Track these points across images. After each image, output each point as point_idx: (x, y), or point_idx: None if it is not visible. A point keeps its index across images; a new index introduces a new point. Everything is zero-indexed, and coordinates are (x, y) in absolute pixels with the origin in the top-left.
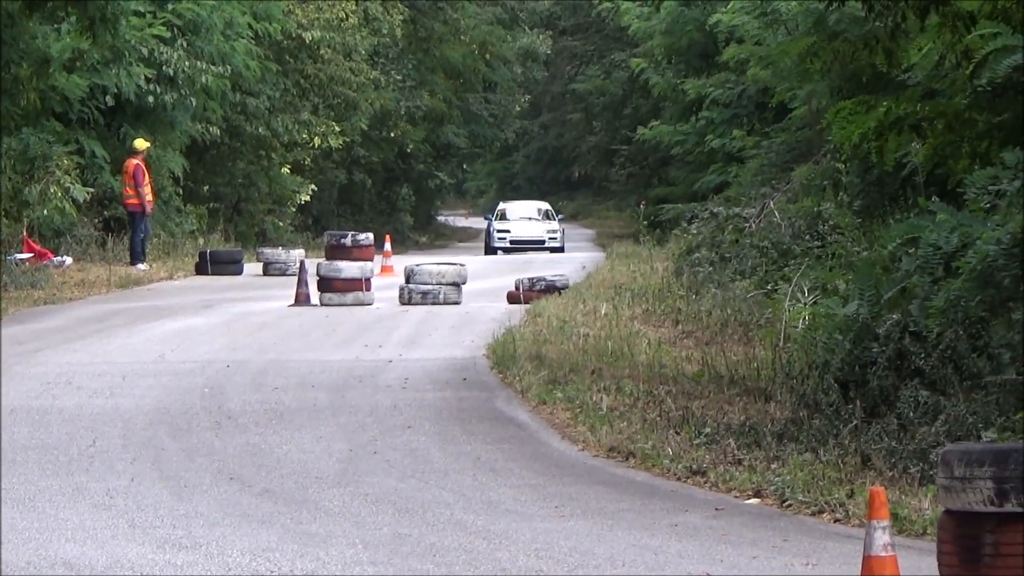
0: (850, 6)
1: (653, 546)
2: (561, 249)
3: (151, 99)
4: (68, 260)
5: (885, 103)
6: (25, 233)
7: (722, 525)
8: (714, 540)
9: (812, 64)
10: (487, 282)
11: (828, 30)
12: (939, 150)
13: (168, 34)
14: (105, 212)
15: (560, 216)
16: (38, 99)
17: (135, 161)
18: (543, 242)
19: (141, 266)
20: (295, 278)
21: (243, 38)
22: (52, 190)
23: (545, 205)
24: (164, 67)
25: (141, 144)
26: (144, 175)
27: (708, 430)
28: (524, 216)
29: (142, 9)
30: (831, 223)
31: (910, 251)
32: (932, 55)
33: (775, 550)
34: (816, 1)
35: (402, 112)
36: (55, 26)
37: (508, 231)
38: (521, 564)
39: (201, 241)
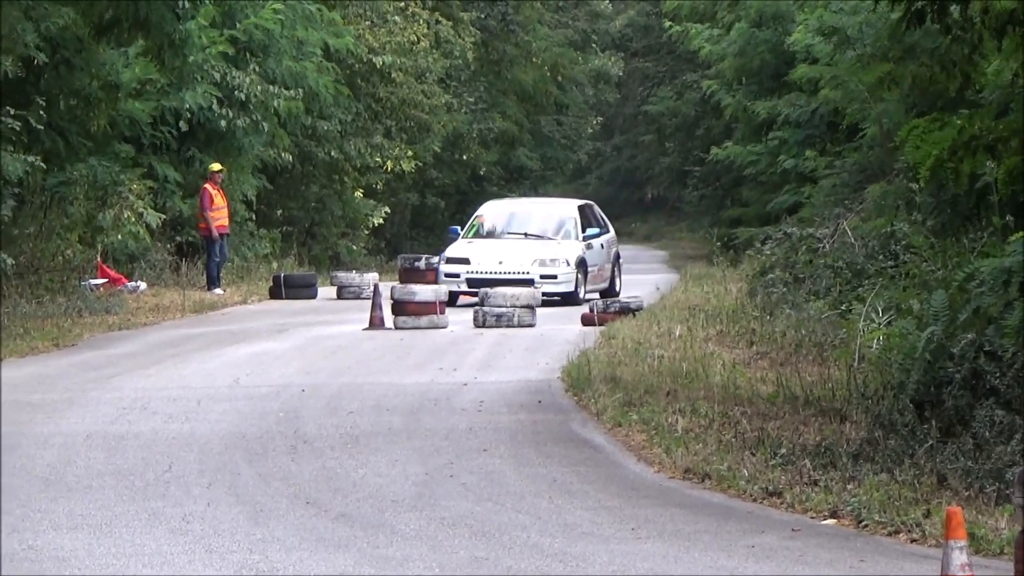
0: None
1: (730, 567)
2: (574, 296)
3: (223, 123)
4: (142, 285)
5: (959, 121)
6: (99, 259)
7: (798, 546)
8: (791, 561)
9: (889, 91)
10: (560, 306)
11: (903, 45)
12: (1014, 170)
13: (232, 51)
14: (178, 237)
15: (604, 231)
16: (108, 126)
17: (206, 184)
18: (530, 281)
19: (217, 291)
20: (369, 301)
21: (314, 59)
22: (126, 215)
23: (571, 212)
24: (236, 92)
25: (213, 167)
26: (211, 200)
27: (784, 451)
28: (519, 232)
29: (205, 37)
30: (905, 243)
31: (981, 270)
32: (1006, 73)
33: (852, 571)
34: (887, 12)
35: (474, 135)
36: (122, 50)
37: (466, 260)
38: None
39: (275, 265)
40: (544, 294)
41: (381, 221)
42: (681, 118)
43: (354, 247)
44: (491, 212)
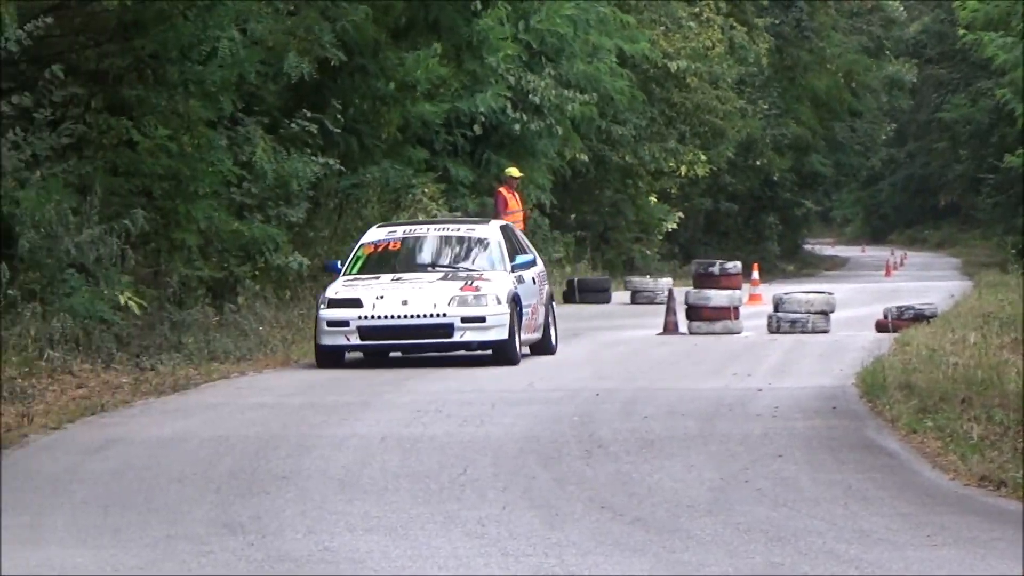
0: None
1: None
2: (508, 347)
3: (516, 127)
4: None
5: None
6: None
7: None
8: None
9: None
10: (855, 311)
11: None
12: None
13: (525, 55)
14: None
15: (533, 261)
16: (397, 132)
17: (501, 188)
18: (448, 327)
19: None
20: (663, 306)
21: (608, 63)
22: (419, 218)
23: (493, 234)
24: (530, 95)
25: (508, 171)
26: (506, 204)
27: None
28: (424, 263)
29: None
30: None
31: None
32: None
33: None
34: None
35: (767, 140)
36: (415, 52)
37: (355, 303)
38: None
39: (568, 269)
40: (464, 344)
41: (674, 226)
42: (975, 125)
43: (648, 252)
44: (381, 239)
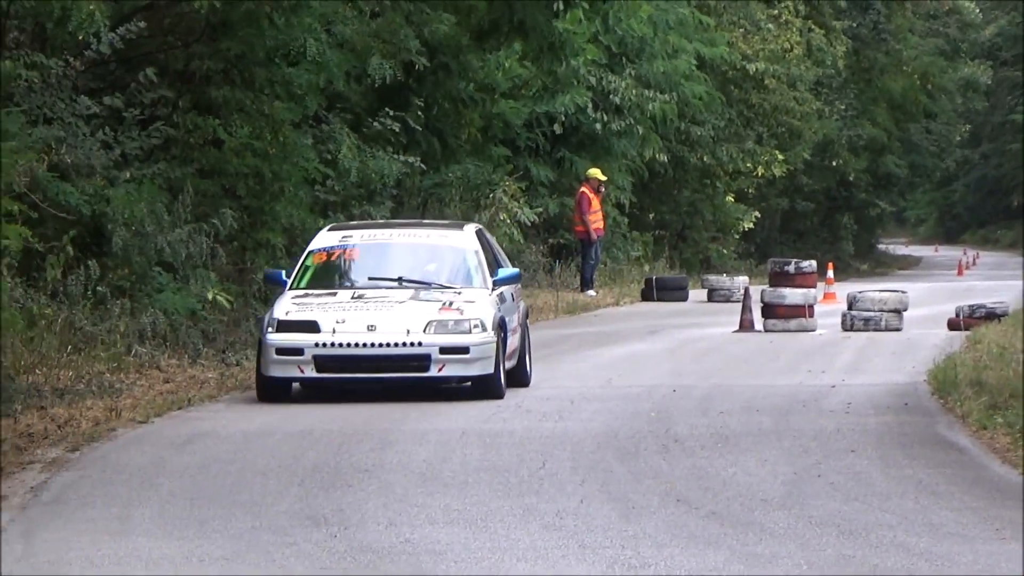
0: None
1: None
2: (493, 382)
3: (597, 127)
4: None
5: None
6: None
7: None
8: None
9: None
10: (927, 309)
11: None
12: None
13: (605, 57)
14: (550, 239)
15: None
16: (479, 132)
17: (582, 189)
18: (424, 358)
19: (591, 292)
20: (739, 304)
21: (687, 65)
22: (501, 216)
23: (470, 243)
24: (611, 95)
25: (592, 173)
26: (589, 203)
27: None
28: (390, 276)
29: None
30: None
31: None
32: None
33: None
34: None
35: (844, 141)
36: (496, 54)
37: (311, 326)
38: None
39: (646, 268)
40: (442, 380)
41: (751, 225)
42: None
43: (724, 251)
44: (334, 245)
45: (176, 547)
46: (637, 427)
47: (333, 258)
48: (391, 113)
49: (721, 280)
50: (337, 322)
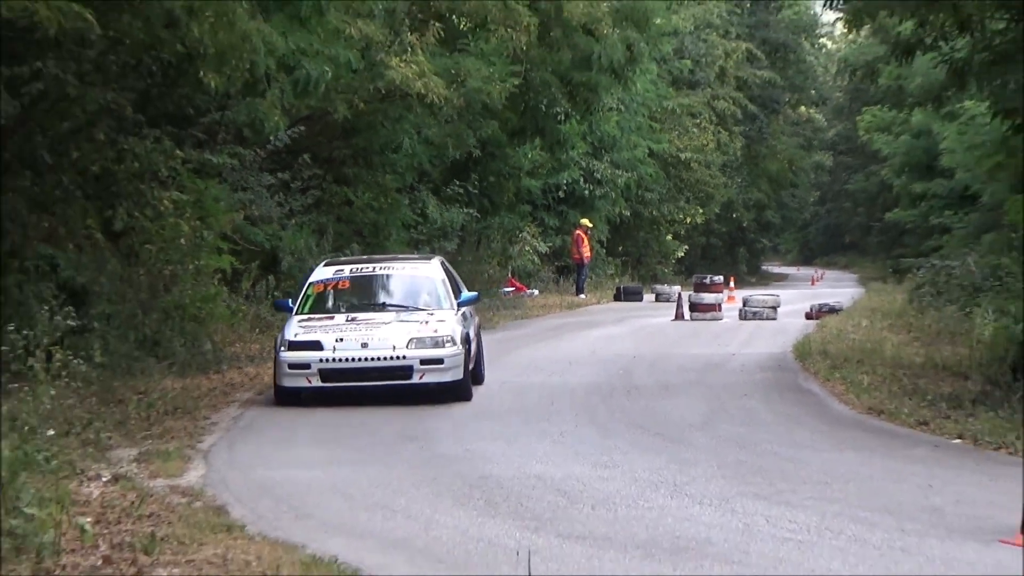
0: None
1: (896, 468)
2: (463, 385)
3: (586, 192)
4: (535, 292)
5: None
6: (510, 275)
7: (938, 456)
8: (933, 464)
9: (999, 176)
10: (792, 306)
11: (1007, 147)
12: None
13: (590, 150)
14: (556, 263)
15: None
16: (513, 195)
17: (577, 231)
18: (407, 369)
19: (582, 296)
20: (675, 303)
21: (643, 153)
22: (526, 249)
23: (436, 272)
24: (594, 173)
25: (583, 221)
26: (582, 241)
27: (930, 397)
28: (375, 302)
29: (576, 139)
30: (1007, 271)
31: None
32: None
33: (970, 471)
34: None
35: (739, 201)
36: (523, 147)
37: (315, 345)
38: (808, 477)
39: (617, 280)
40: (422, 386)
41: (682, 254)
42: (868, 193)
43: (666, 270)
44: (329, 278)
45: (321, 454)
46: (611, 380)
47: (329, 288)
48: (458, 183)
49: (664, 288)
50: (336, 341)
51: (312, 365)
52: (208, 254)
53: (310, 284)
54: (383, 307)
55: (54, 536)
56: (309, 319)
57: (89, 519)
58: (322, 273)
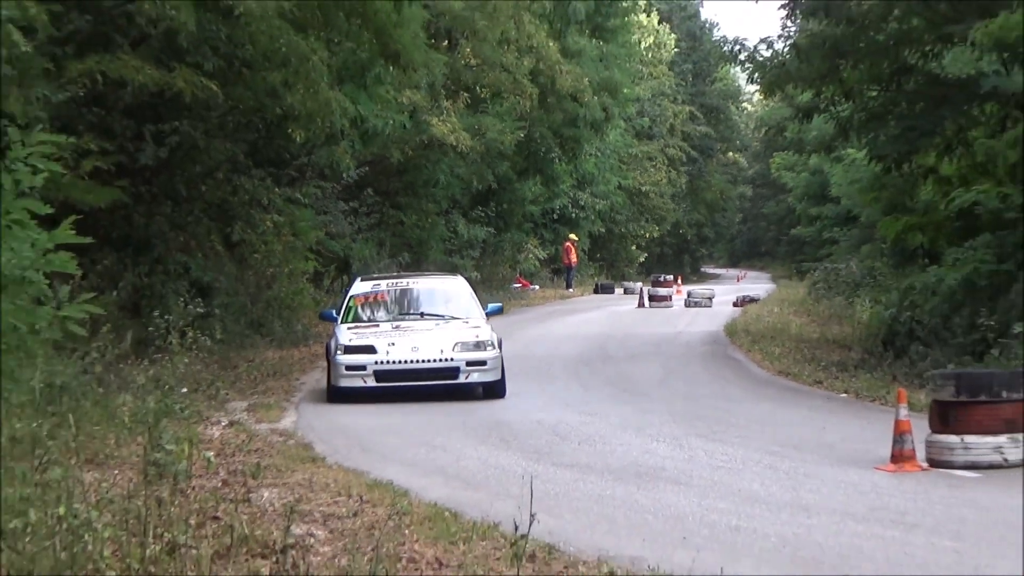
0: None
1: (801, 415)
2: (501, 386)
3: (573, 214)
4: (536, 287)
5: (905, 219)
6: (518, 274)
7: (831, 406)
8: (827, 412)
9: (874, 203)
10: (724, 297)
11: (880, 182)
12: (932, 239)
13: (575, 183)
14: (552, 266)
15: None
16: (520, 218)
17: (567, 243)
18: (455, 370)
19: (571, 291)
20: (638, 295)
21: (615, 185)
22: (529, 256)
23: (464, 286)
24: (579, 201)
25: (571, 236)
26: (571, 250)
27: (823, 363)
28: (413, 312)
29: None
30: (880, 272)
31: (915, 284)
32: (930, 194)
33: (854, 417)
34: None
35: (685, 221)
36: (527, 181)
37: (370, 349)
38: (736, 422)
39: (596, 279)
40: (467, 385)
41: (643, 259)
42: (778, 215)
43: (631, 271)
44: (368, 291)
45: (371, 417)
46: (591, 351)
47: (369, 300)
48: (480, 208)
49: (630, 284)
50: (389, 345)
51: (368, 367)
52: (298, 260)
53: (351, 297)
54: (421, 316)
55: (186, 465)
56: (356, 327)
57: (212, 453)
58: (361, 287)
